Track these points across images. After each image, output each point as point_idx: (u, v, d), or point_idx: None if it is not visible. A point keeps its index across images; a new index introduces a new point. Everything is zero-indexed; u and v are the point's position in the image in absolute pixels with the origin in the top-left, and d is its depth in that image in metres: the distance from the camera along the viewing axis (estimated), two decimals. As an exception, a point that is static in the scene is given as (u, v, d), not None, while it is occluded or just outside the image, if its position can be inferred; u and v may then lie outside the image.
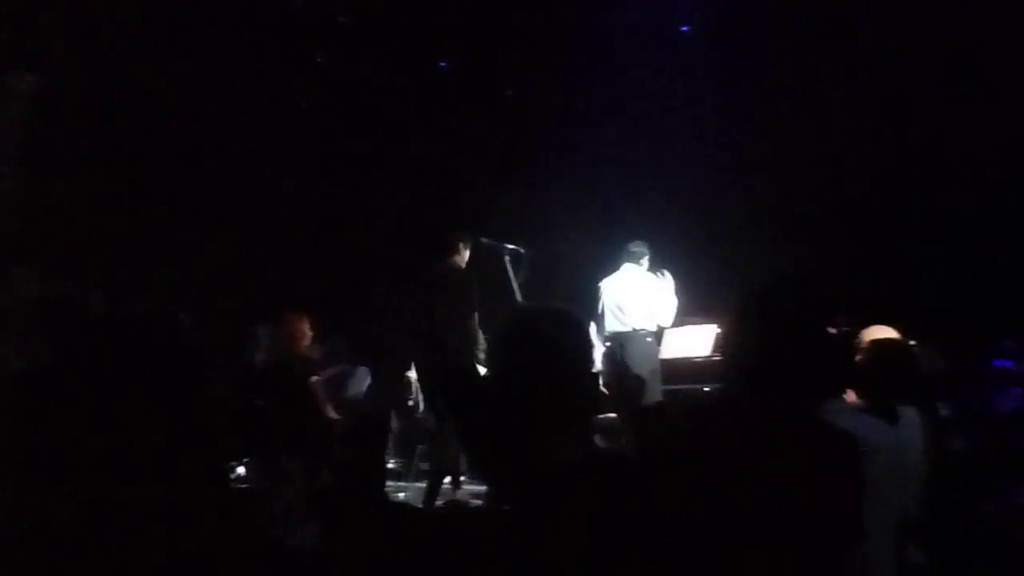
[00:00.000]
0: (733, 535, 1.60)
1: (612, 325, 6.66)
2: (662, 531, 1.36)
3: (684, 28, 9.91)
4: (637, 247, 6.77)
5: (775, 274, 1.91)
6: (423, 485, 6.13)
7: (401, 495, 6.38)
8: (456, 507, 1.56)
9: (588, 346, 1.50)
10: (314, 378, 5.78)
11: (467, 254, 5.92)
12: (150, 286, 6.92)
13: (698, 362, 6.90)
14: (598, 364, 6.99)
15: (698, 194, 9.57)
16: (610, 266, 6.92)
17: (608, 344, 6.73)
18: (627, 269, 6.75)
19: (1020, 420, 5.19)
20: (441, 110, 9.75)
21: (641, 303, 6.58)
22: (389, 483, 6.67)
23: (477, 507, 1.50)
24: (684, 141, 9.85)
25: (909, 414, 2.74)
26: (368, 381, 6.40)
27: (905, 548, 2.71)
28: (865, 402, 2.74)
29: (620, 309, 6.62)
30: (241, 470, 5.41)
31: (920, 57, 8.53)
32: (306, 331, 5.86)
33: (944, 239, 8.82)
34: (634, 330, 6.53)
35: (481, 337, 5.50)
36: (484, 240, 5.70)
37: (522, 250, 6.11)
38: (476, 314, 5.59)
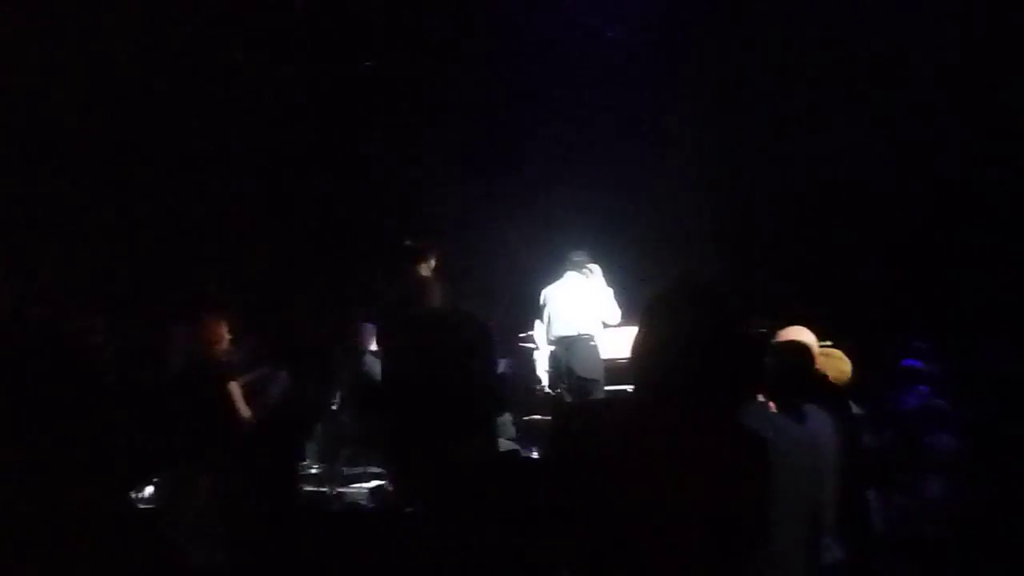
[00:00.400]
0: (636, 534, 1.61)
1: (557, 330, 6.84)
2: (561, 530, 1.36)
3: (612, 34, 10.03)
4: (579, 256, 6.94)
5: (678, 277, 1.95)
6: (347, 489, 6.08)
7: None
8: (355, 508, 1.53)
9: (489, 349, 1.49)
10: (233, 382, 5.63)
11: (434, 263, 5.91)
12: (63, 291, 6.68)
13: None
14: (543, 366, 7.27)
15: (632, 200, 9.71)
16: (553, 273, 7.11)
17: (553, 348, 6.92)
18: (570, 277, 6.91)
19: (926, 417, 5.37)
20: (367, 109, 9.64)
21: (584, 309, 6.73)
22: (311, 488, 6.56)
23: (375, 508, 1.48)
24: (621, 147, 9.98)
25: (817, 413, 2.80)
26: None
27: (818, 543, 2.77)
28: (772, 402, 2.79)
29: (564, 315, 6.80)
30: (150, 489, 5.22)
31: (844, 57, 8.85)
32: (224, 334, 5.71)
33: (861, 244, 9.13)
34: (578, 334, 6.69)
35: None
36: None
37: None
38: None
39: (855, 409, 4.89)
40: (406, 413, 1.41)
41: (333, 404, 7.13)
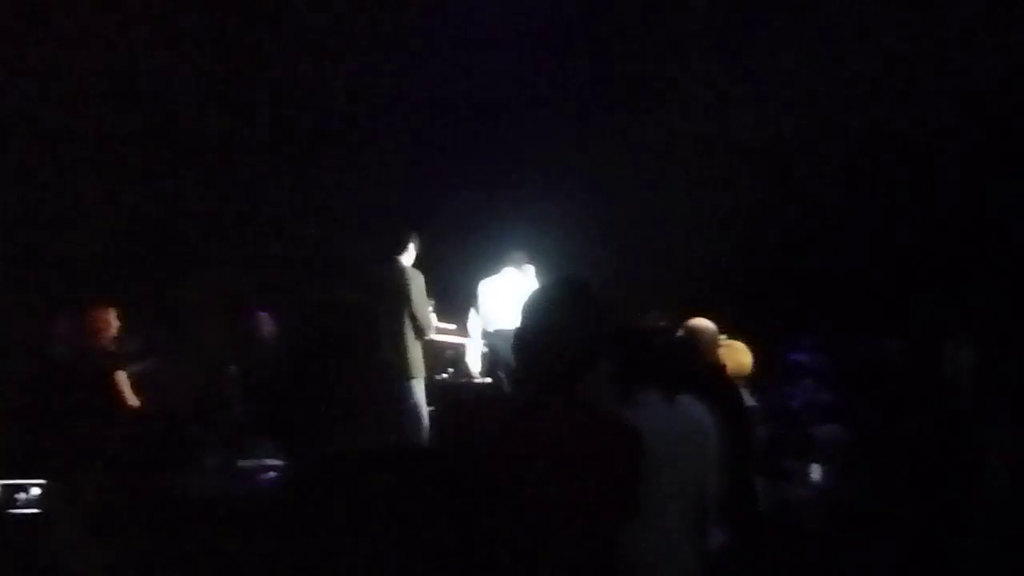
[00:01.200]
0: (508, 517, 1.67)
1: (494, 322, 7.31)
2: (435, 513, 1.38)
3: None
4: (518, 255, 7.52)
5: (557, 274, 2.06)
6: (240, 482, 5.95)
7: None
8: (250, 495, 1.51)
9: (375, 338, 1.49)
10: (120, 372, 5.41)
11: (414, 253, 5.97)
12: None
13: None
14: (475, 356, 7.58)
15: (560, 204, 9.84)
16: (489, 269, 7.60)
17: (490, 339, 7.42)
18: (507, 273, 7.45)
19: (810, 409, 5.61)
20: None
21: (520, 304, 6.66)
22: (204, 482, 6.39)
23: (267, 499, 1.46)
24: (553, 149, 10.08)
25: (694, 404, 2.90)
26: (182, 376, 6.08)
27: (703, 529, 2.86)
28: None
29: (501, 308, 7.22)
30: (35, 491, 4.95)
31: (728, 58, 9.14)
32: (112, 322, 5.47)
33: (753, 245, 9.44)
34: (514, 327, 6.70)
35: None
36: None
37: None
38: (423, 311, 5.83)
39: (750, 401, 5.07)
40: (298, 402, 1.40)
41: (227, 395, 6.94)
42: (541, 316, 1.94)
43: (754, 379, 6.18)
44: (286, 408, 1.41)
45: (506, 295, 7.25)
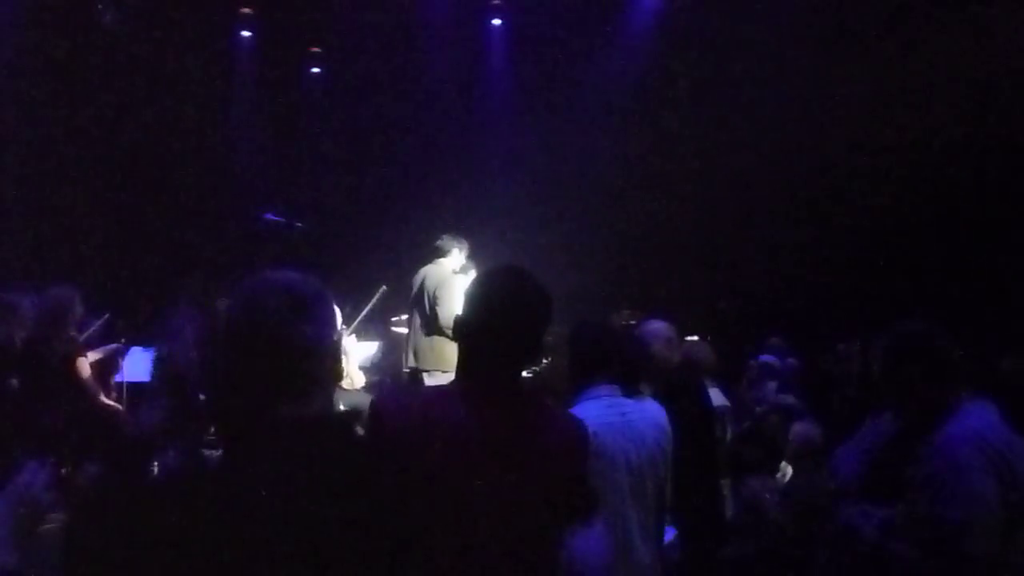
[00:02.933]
0: (450, 515, 1.67)
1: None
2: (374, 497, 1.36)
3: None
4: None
5: (501, 265, 2.00)
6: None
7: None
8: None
9: (323, 320, 1.46)
10: (82, 358, 5.30)
11: (460, 259, 6.09)
12: None
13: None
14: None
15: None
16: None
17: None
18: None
19: (776, 411, 5.63)
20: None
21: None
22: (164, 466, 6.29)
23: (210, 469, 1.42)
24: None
25: (648, 401, 2.90)
26: (143, 362, 5.96)
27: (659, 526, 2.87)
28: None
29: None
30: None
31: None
32: (74, 305, 5.37)
33: (724, 248, 9.54)
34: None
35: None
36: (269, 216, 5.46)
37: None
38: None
39: (721, 400, 5.08)
40: (232, 376, 1.38)
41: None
42: (485, 304, 1.87)
43: (725, 380, 6.25)
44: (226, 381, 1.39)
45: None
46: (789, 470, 4.57)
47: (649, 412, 2.88)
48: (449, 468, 1.70)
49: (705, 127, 9.45)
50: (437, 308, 5.92)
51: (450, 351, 5.85)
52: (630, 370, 2.97)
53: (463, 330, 1.91)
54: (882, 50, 8.09)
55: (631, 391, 2.87)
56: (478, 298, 1.89)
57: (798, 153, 8.65)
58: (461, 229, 6.92)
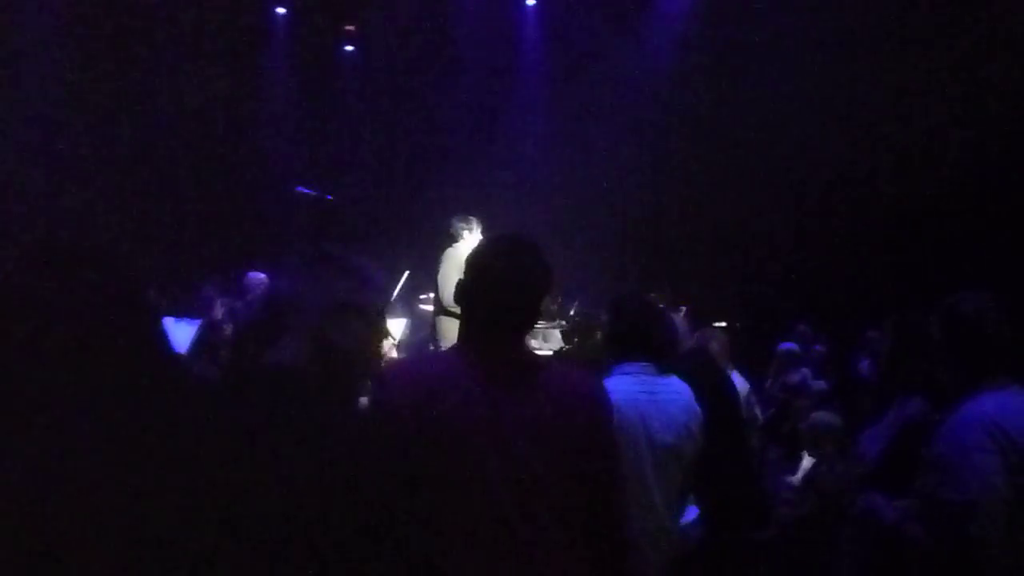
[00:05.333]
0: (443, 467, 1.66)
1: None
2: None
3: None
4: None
5: (499, 235, 2.01)
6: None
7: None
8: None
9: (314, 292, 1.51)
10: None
11: (473, 240, 6.14)
12: None
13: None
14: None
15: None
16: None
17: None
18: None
19: (806, 396, 5.61)
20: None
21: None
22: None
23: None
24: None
25: (677, 382, 2.88)
26: (178, 332, 6.03)
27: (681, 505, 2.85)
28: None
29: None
30: None
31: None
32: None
33: (755, 234, 9.48)
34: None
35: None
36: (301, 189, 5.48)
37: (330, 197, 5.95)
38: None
39: (740, 384, 5.04)
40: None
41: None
42: (482, 270, 1.89)
43: (748, 365, 6.23)
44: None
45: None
46: (806, 458, 4.51)
47: (679, 392, 2.84)
48: (445, 423, 1.69)
49: (737, 112, 9.36)
50: (441, 289, 6.18)
51: (455, 329, 5.88)
52: (665, 349, 2.96)
53: (462, 296, 1.94)
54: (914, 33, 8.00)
55: (664, 369, 2.87)
56: (476, 264, 1.92)
57: (827, 139, 8.56)
58: (486, 210, 6.97)
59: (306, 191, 5.12)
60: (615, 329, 2.91)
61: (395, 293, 6.98)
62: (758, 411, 5.37)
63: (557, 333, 7.13)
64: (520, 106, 10.61)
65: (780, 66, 8.63)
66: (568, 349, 6.75)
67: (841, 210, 8.72)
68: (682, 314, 7.54)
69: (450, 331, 6.11)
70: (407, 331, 7.58)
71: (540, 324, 7.11)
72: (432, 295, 6.99)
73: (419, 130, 10.46)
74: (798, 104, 8.49)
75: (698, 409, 2.84)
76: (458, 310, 5.87)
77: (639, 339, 2.84)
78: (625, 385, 2.74)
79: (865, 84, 8.28)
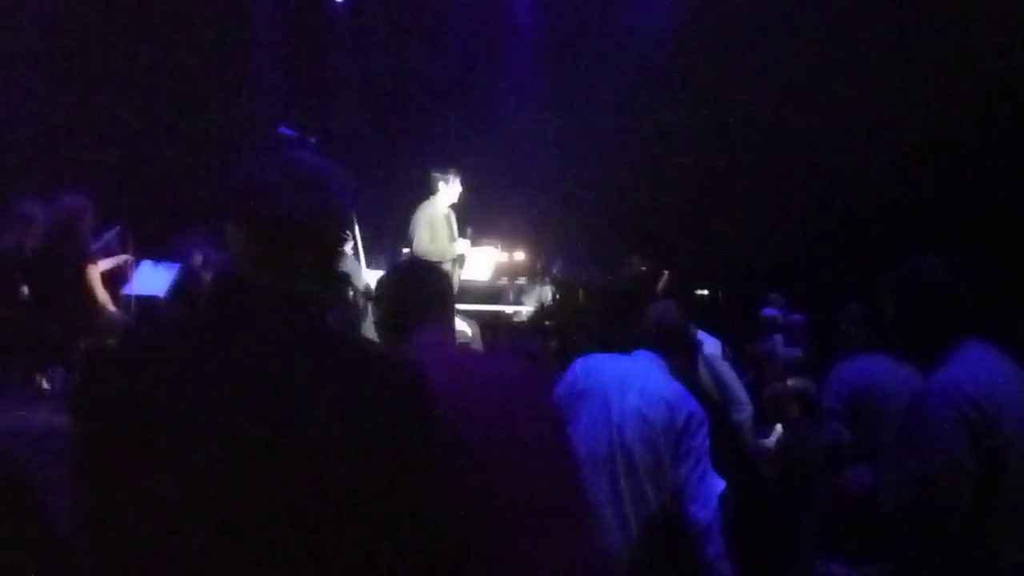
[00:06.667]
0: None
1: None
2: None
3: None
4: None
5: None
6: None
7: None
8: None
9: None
10: (92, 267, 5.33)
11: (451, 192, 6.29)
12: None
13: (479, 285, 7.08)
14: None
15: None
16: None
17: None
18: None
19: (782, 366, 5.63)
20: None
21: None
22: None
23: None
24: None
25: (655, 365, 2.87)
26: (154, 275, 6.00)
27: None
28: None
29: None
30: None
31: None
32: (87, 215, 5.38)
33: (740, 202, 9.48)
34: None
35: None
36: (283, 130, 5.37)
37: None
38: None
39: (711, 342, 5.05)
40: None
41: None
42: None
43: (730, 332, 6.27)
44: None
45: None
46: (779, 428, 4.53)
47: (678, 391, 2.72)
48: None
49: (732, 84, 9.32)
50: (411, 240, 6.26)
51: None
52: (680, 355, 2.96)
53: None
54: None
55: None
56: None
57: (821, 109, 8.55)
58: (472, 166, 6.93)
59: (287, 132, 5.04)
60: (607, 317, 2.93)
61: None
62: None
63: (539, 290, 7.16)
64: (511, 65, 10.51)
65: (775, 36, 8.59)
66: (549, 306, 6.76)
67: (833, 182, 8.74)
68: (663, 279, 7.61)
69: None
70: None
71: (521, 280, 7.15)
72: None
73: (408, 84, 10.34)
74: (794, 75, 8.46)
75: (700, 411, 2.66)
76: (431, 259, 5.86)
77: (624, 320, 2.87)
78: (598, 358, 2.81)
79: (862, 55, 8.26)
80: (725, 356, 4.36)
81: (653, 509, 2.56)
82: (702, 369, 3.74)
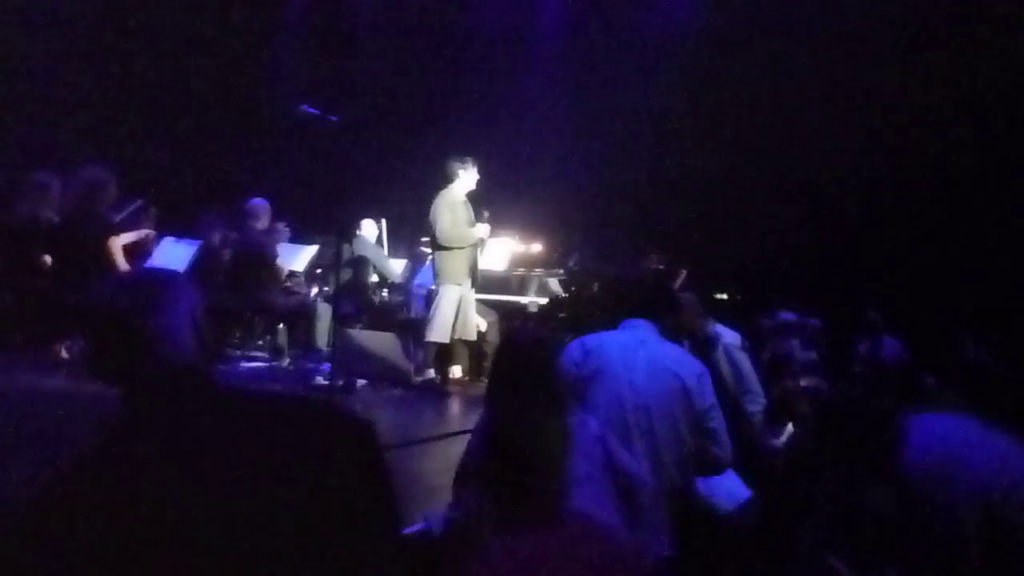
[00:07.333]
0: None
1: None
2: None
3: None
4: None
5: None
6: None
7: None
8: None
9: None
10: (114, 239, 5.36)
11: (469, 180, 6.32)
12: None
13: (496, 275, 7.07)
14: None
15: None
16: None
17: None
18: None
19: (793, 365, 5.61)
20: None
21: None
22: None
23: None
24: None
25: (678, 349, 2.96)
26: (174, 251, 6.03)
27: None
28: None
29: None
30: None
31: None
32: (109, 186, 5.42)
33: (758, 203, 9.44)
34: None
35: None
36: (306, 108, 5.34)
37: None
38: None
39: (731, 335, 5.05)
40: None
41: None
42: None
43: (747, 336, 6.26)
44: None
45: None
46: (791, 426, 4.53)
47: (677, 355, 2.90)
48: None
49: (752, 82, 9.27)
50: (433, 227, 6.19)
51: (450, 265, 6.19)
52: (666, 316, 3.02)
53: None
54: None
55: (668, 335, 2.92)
56: None
57: (838, 113, 8.53)
58: (492, 153, 6.96)
59: (310, 110, 5.05)
60: (620, 294, 3.00)
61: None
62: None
63: (554, 283, 7.16)
64: (535, 59, 10.50)
65: (811, 35, 8.56)
66: (564, 298, 6.76)
67: (849, 191, 8.71)
68: (680, 277, 7.58)
69: (446, 267, 6.18)
70: (406, 272, 7.63)
71: (537, 272, 7.15)
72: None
73: (434, 69, 10.34)
74: (815, 75, 8.43)
75: (699, 367, 2.86)
76: (451, 246, 5.91)
77: (644, 301, 2.93)
78: (616, 334, 2.87)
79: (876, 53, 8.25)
80: (744, 348, 4.35)
81: (667, 466, 2.73)
82: (721, 358, 3.77)
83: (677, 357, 2.87)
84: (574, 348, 2.83)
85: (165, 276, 1.64)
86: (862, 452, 2.35)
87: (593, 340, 2.85)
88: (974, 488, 2.03)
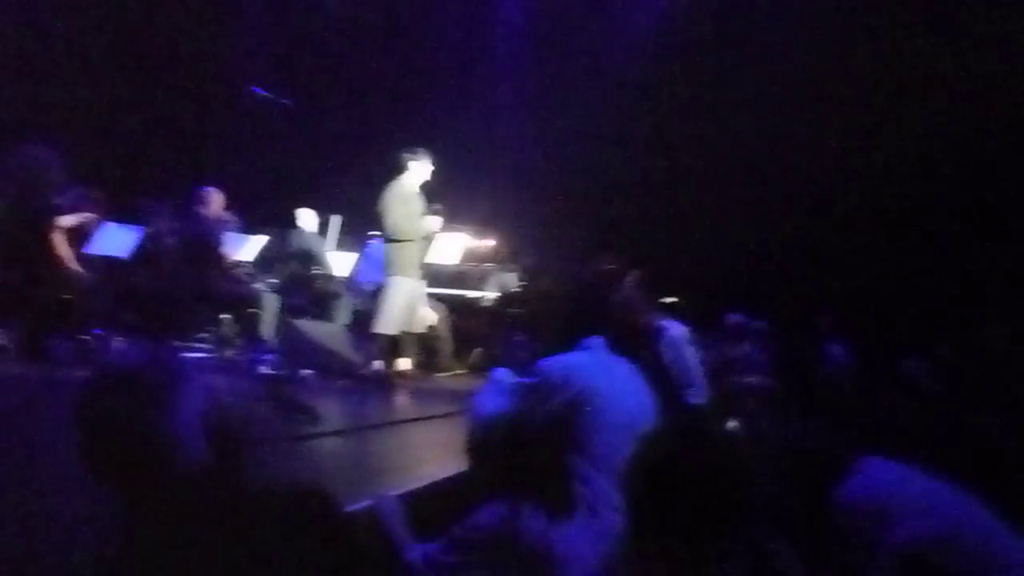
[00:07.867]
0: None
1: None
2: None
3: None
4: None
5: None
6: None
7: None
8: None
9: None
10: (56, 220, 5.23)
11: (421, 172, 6.19)
12: None
13: (449, 269, 7.04)
14: None
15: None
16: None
17: None
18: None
19: (741, 365, 5.72)
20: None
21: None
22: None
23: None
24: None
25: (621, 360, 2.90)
26: (116, 237, 5.89)
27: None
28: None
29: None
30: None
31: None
32: (53, 168, 5.28)
33: (720, 212, 9.56)
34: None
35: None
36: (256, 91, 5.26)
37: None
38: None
39: (678, 328, 5.11)
40: None
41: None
42: None
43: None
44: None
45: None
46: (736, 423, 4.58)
47: (629, 369, 2.82)
48: None
49: (718, 89, 9.39)
50: (384, 219, 6.14)
51: (400, 257, 6.14)
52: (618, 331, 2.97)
53: None
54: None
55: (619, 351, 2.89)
56: None
57: (801, 120, 8.66)
58: (454, 154, 6.90)
59: (260, 92, 4.95)
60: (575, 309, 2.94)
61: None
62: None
63: (508, 276, 7.16)
64: (494, 54, 10.51)
65: (761, 42, 8.67)
66: (517, 292, 6.75)
67: (809, 197, 8.86)
68: (632, 276, 7.63)
69: (396, 259, 6.14)
70: (358, 266, 7.57)
71: (487, 266, 7.14)
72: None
73: (389, 68, 10.29)
74: (780, 82, 8.55)
75: (647, 388, 2.79)
76: (402, 237, 5.84)
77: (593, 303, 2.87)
78: (590, 359, 2.79)
79: (850, 60, 8.40)
80: (690, 342, 4.38)
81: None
82: (664, 350, 3.79)
83: (635, 377, 2.81)
84: (555, 368, 2.72)
85: (170, 368, 1.45)
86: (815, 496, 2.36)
87: (572, 364, 2.72)
88: (908, 532, 2.07)
